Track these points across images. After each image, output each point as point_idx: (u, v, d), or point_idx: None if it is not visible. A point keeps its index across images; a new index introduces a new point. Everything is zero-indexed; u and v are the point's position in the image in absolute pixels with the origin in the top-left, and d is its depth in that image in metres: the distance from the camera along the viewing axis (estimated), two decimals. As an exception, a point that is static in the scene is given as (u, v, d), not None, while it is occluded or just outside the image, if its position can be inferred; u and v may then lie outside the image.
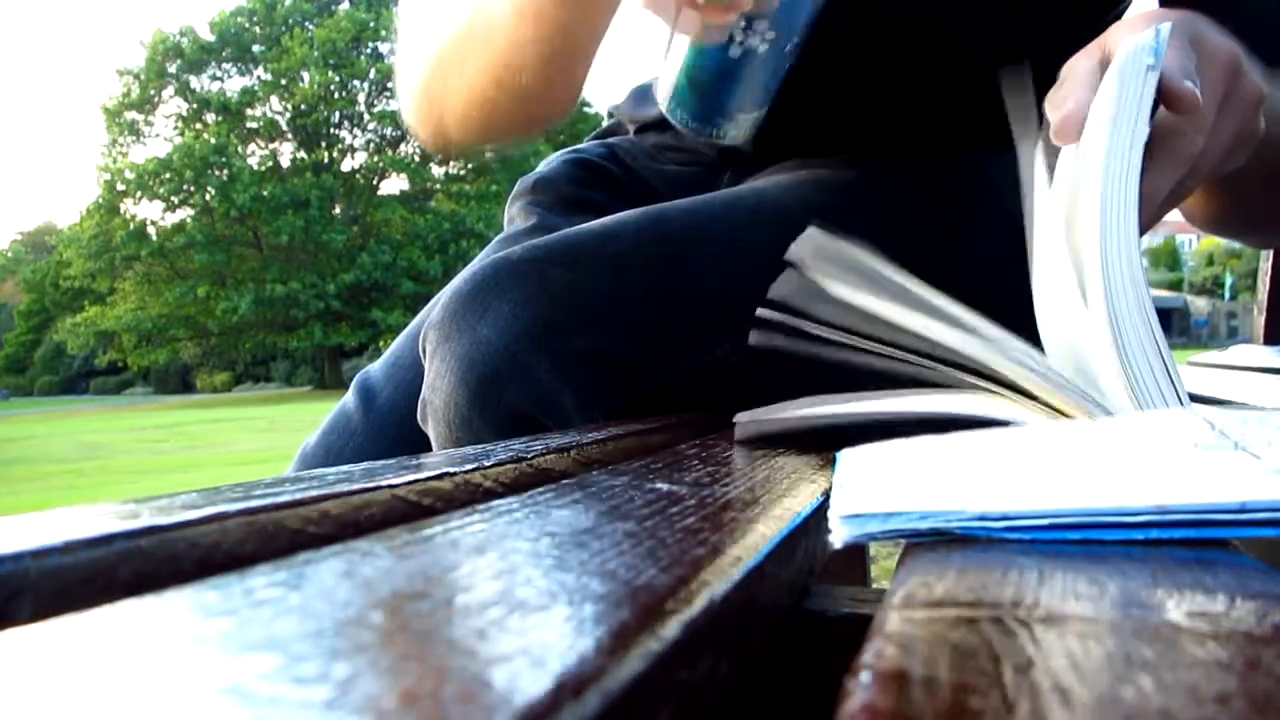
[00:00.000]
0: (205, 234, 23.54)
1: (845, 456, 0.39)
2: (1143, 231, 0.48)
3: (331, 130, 26.12)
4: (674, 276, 0.68)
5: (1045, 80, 0.52)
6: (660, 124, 0.94)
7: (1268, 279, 1.00)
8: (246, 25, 25.85)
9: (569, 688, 0.14)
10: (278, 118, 26.04)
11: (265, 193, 23.52)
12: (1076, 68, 0.51)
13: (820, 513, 0.31)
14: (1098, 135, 0.42)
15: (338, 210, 24.95)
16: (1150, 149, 0.47)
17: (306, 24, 25.42)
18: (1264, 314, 1.24)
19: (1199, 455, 0.31)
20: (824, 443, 0.48)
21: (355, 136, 26.55)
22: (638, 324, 0.65)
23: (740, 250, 0.70)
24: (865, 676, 0.15)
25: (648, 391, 0.65)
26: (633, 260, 0.67)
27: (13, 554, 0.21)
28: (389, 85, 25.35)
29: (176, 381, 37.35)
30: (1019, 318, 0.47)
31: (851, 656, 0.17)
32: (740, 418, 0.51)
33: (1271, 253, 1.00)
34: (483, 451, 0.42)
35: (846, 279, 0.45)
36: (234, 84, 26.34)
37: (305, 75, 25.30)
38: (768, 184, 0.80)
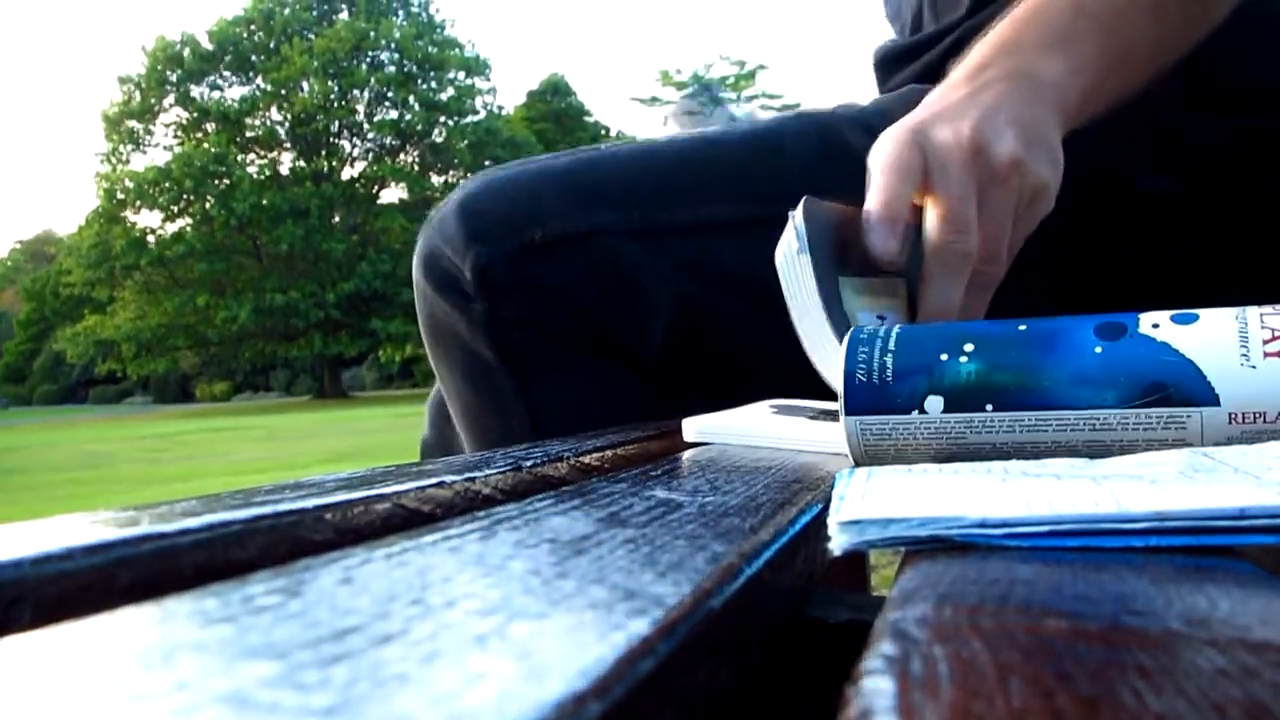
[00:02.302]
0: (205, 243, 23.55)
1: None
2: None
3: (331, 139, 26.15)
4: (589, 166, 0.79)
5: None
6: None
7: (1266, 287, 1.00)
8: (246, 34, 25.90)
9: (569, 695, 0.14)
10: (277, 127, 26.07)
11: (265, 202, 23.53)
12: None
13: (820, 520, 0.31)
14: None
15: (337, 219, 24.96)
16: (923, 264, 0.54)
17: (306, 33, 25.47)
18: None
19: (1199, 475, 0.31)
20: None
21: (355, 146, 26.59)
22: (541, 197, 0.77)
23: (656, 157, 0.79)
24: (865, 683, 0.15)
25: (533, 245, 0.75)
26: (566, 157, 0.80)
27: (13, 561, 0.21)
28: (388, 95, 25.42)
29: (176, 391, 37.32)
30: None
31: (851, 663, 0.17)
32: (688, 424, 0.57)
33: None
34: (482, 459, 0.42)
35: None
36: (234, 93, 26.40)
37: (305, 84, 25.34)
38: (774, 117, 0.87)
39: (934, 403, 0.40)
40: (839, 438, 0.43)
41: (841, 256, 0.54)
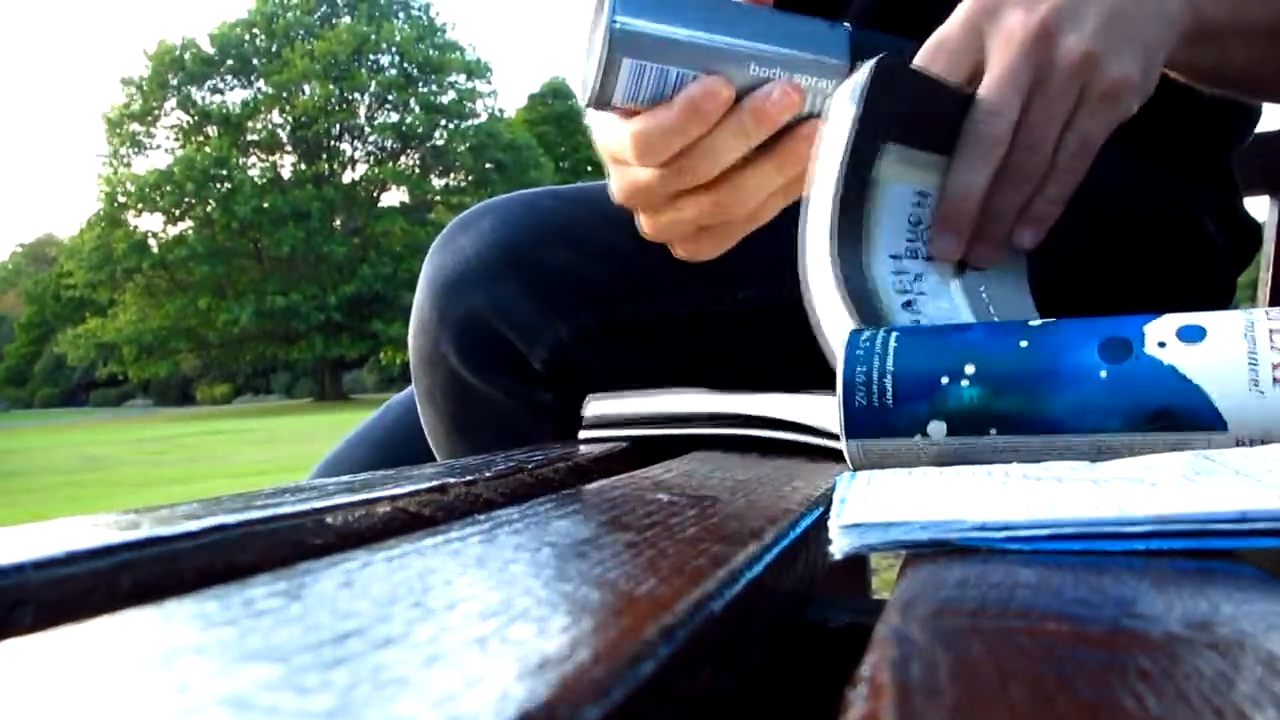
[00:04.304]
0: (206, 246, 23.59)
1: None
2: (1030, 244, 0.52)
3: (332, 142, 26.18)
4: None
5: None
6: None
7: (1267, 289, 1.00)
8: (247, 37, 25.93)
9: (568, 698, 0.14)
10: (279, 130, 26.10)
11: (266, 205, 23.57)
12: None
13: (821, 523, 0.31)
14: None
15: (338, 222, 24.99)
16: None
17: (307, 37, 25.50)
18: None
19: (1200, 478, 0.31)
20: (825, 453, 0.48)
21: (356, 149, 26.62)
22: (621, 254, 0.63)
23: None
24: (865, 687, 0.15)
25: (623, 324, 0.64)
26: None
27: (15, 564, 0.21)
28: (389, 97, 25.45)
29: (177, 394, 37.30)
30: None
31: (852, 667, 0.17)
32: (591, 400, 0.53)
33: (1271, 261, 1.00)
34: (483, 462, 0.42)
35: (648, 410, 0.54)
36: (235, 96, 26.43)
37: (306, 87, 25.36)
38: None
39: (936, 428, 0.40)
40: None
41: (911, 125, 0.50)
